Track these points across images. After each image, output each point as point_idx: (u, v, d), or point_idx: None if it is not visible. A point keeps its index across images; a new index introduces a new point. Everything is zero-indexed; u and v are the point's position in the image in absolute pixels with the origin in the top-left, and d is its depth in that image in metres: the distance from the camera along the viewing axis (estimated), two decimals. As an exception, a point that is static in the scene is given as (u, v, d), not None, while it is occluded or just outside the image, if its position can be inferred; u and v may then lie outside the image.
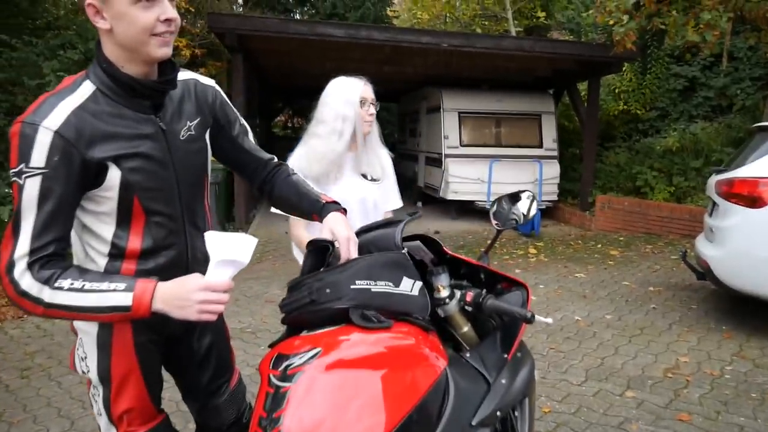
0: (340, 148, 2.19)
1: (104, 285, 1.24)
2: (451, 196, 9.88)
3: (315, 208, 1.62)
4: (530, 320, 1.44)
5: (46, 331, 4.47)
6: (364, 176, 2.31)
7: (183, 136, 1.44)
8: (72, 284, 1.23)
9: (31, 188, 1.21)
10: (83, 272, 1.27)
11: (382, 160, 2.38)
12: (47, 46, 6.71)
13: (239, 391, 1.83)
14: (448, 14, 15.82)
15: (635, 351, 4.01)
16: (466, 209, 10.06)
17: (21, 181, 1.21)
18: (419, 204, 11.66)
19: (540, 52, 9.20)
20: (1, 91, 6.40)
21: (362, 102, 2.21)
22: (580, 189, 10.04)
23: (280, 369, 1.18)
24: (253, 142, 1.71)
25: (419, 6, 16.02)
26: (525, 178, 9.80)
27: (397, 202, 2.46)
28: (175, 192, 1.44)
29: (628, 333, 4.38)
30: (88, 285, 1.23)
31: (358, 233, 1.59)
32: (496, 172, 9.67)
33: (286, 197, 1.69)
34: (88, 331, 1.47)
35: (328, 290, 1.29)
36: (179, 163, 1.43)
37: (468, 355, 1.53)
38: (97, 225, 1.37)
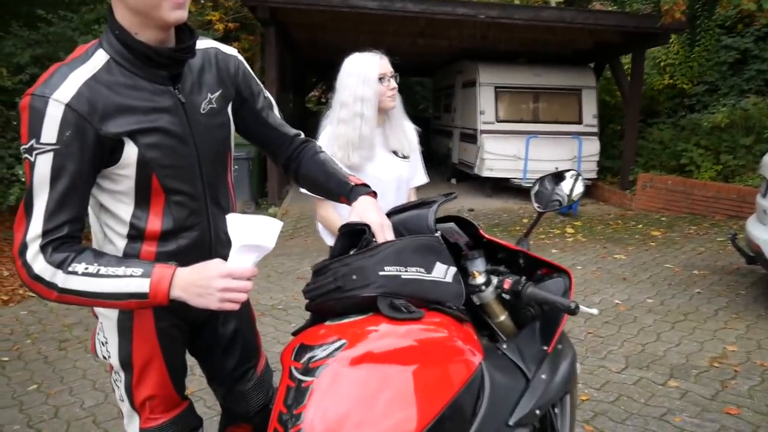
0: (366, 130, 2.13)
1: (120, 270, 1.16)
2: (486, 173, 9.67)
3: (343, 190, 1.52)
4: (574, 311, 1.32)
5: (82, 304, 4.54)
6: (395, 153, 2.24)
7: (203, 110, 1.34)
8: (86, 269, 1.16)
9: (43, 166, 1.13)
10: (99, 256, 1.20)
11: (408, 134, 2.30)
12: (82, 21, 6.73)
13: (266, 377, 1.77)
14: (485, -15, 15.34)
15: (679, 338, 3.83)
16: (502, 187, 9.85)
17: (32, 158, 1.13)
18: (453, 181, 11.48)
19: (582, 24, 8.81)
20: (39, 67, 6.45)
21: (381, 78, 2.13)
22: (621, 167, 9.68)
23: (302, 361, 1.09)
24: (279, 116, 1.61)
25: (456, -23, 15.57)
26: (563, 155, 9.51)
27: (422, 178, 2.40)
28: (196, 169, 1.35)
29: (671, 318, 4.19)
30: (103, 270, 1.16)
31: (388, 215, 1.49)
32: (533, 149, 9.41)
33: (313, 177, 1.58)
34: (108, 316, 1.42)
35: (354, 276, 1.19)
36: (200, 138, 1.34)
37: (505, 346, 1.42)
38: (115, 205, 1.30)
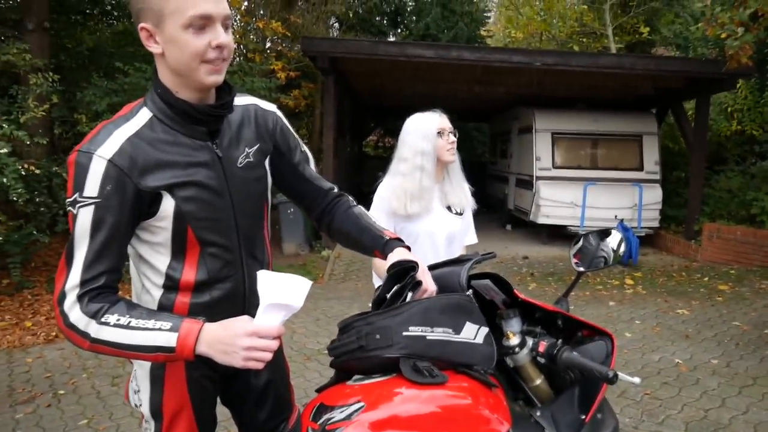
0: (426, 182, 2.19)
1: (150, 323, 1.19)
2: (542, 220, 9.48)
3: (377, 244, 1.52)
4: (612, 380, 1.25)
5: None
6: (449, 209, 2.29)
7: (240, 164, 1.39)
8: (118, 320, 1.19)
9: (84, 218, 1.19)
10: (132, 307, 1.23)
11: (465, 192, 2.35)
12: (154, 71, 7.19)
13: (297, 431, 1.75)
14: (543, 32, 15.40)
15: (746, 404, 3.55)
16: (558, 234, 9.61)
17: (75, 211, 1.19)
18: (508, 227, 11.30)
19: (642, 70, 8.67)
20: (114, 113, 6.92)
21: (440, 133, 2.20)
22: (686, 215, 9.28)
23: (320, 422, 1.09)
24: (315, 170, 1.65)
25: (514, 25, 15.73)
26: (623, 202, 9.22)
27: (473, 238, 2.43)
28: (232, 222, 1.38)
29: (738, 382, 3.90)
30: (134, 322, 1.19)
31: (424, 270, 1.48)
32: (591, 196, 9.18)
33: (347, 231, 1.60)
34: (141, 364, 1.44)
35: (377, 336, 1.18)
36: (236, 191, 1.38)
37: (539, 413, 1.37)
38: (153, 255, 1.34)
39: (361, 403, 1.08)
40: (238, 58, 11.24)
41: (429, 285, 1.38)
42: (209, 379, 1.50)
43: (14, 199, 5.30)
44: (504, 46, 17.67)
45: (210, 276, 1.37)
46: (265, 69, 9.63)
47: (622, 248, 1.81)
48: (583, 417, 1.37)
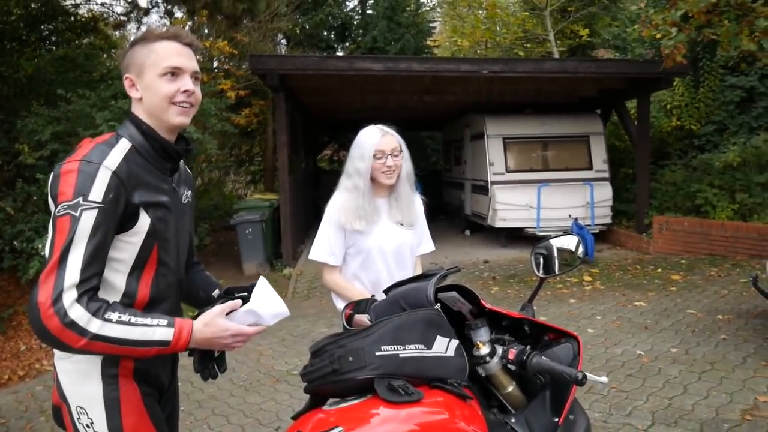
0: (363, 202, 2.20)
1: (148, 320, 1.31)
2: (499, 224, 9.64)
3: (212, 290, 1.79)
4: (581, 382, 1.28)
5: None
6: (400, 223, 2.28)
7: (184, 201, 1.63)
8: (120, 317, 1.28)
9: (87, 221, 1.28)
10: (125, 307, 1.34)
11: (414, 206, 2.34)
12: (100, 98, 6.99)
13: None
14: (488, 40, 15.74)
15: (707, 389, 3.69)
16: (516, 236, 9.79)
17: (76, 213, 1.28)
18: (467, 233, 11.45)
19: (584, 73, 8.97)
20: (60, 142, 6.68)
21: (378, 155, 2.17)
22: (636, 210, 9.61)
23: (299, 451, 1.07)
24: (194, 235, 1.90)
25: (459, 34, 16.02)
26: (575, 201, 9.48)
27: (429, 246, 2.44)
28: (177, 248, 1.57)
29: (698, 368, 4.05)
30: (134, 319, 1.30)
31: (390, 288, 1.49)
32: (545, 197, 9.41)
33: (195, 281, 1.81)
34: (90, 394, 1.43)
35: (350, 358, 1.18)
36: (180, 223, 1.58)
37: (513, 420, 1.38)
38: (111, 274, 1.41)
39: (340, 428, 1.07)
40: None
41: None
42: (154, 397, 1.56)
43: (-46, 237, 5.05)
44: (451, 55, 17.98)
45: (158, 295, 1.50)
46: (214, 89, 9.50)
47: (581, 249, 1.85)
48: (557, 419, 1.39)
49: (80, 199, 1.28)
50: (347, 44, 16.92)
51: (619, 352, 4.51)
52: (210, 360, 1.51)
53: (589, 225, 9.27)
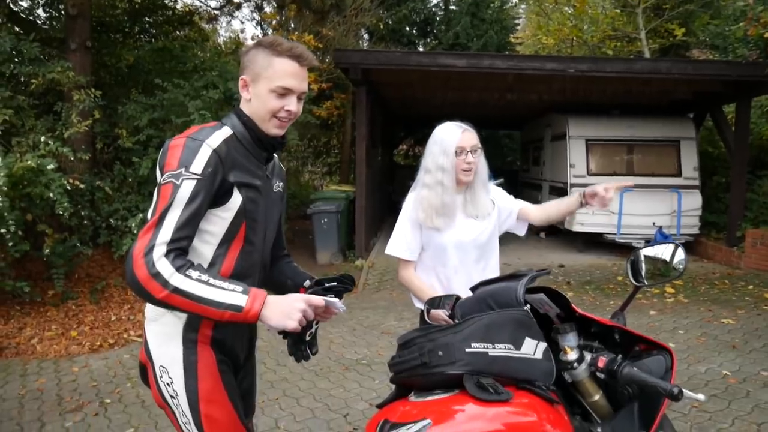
0: (447, 198, 2.21)
1: (225, 284, 1.39)
2: (576, 228, 9.34)
3: (302, 281, 1.84)
4: (677, 397, 1.23)
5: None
6: (475, 217, 2.29)
7: (275, 190, 1.74)
8: (200, 276, 1.37)
9: (186, 189, 1.42)
10: (205, 269, 1.43)
11: (489, 194, 2.36)
12: (192, 87, 7.34)
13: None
14: (575, 38, 15.23)
15: (802, 418, 3.43)
16: (594, 242, 9.46)
17: (177, 182, 1.42)
18: (542, 235, 11.17)
19: (678, 74, 8.49)
20: (154, 128, 7.08)
21: (459, 151, 2.18)
22: (728, 222, 9.03)
23: (386, 439, 1.09)
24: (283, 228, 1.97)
25: (544, 31, 15.61)
26: (661, 209, 9.03)
27: (519, 203, 2.43)
28: (264, 231, 1.68)
29: (792, 395, 3.78)
30: (212, 281, 1.38)
31: (477, 286, 1.48)
32: (627, 203, 9.02)
33: (282, 271, 1.90)
34: (172, 355, 1.57)
35: (440, 353, 1.19)
36: (269, 208, 1.69)
37: (599, 429, 1.35)
38: (201, 244, 1.54)
39: (428, 420, 1.08)
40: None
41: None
42: (228, 366, 1.66)
43: (60, 213, 5.46)
44: (535, 52, 17.54)
45: (242, 270, 1.61)
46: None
47: (678, 258, 1.77)
48: (645, 434, 1.34)
49: (183, 169, 1.43)
50: (429, 40, 16.87)
51: (702, 370, 4.27)
52: (302, 342, 1.58)
53: (675, 234, 8.81)
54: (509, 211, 2.40)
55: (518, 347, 1.25)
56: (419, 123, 16.49)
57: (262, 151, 1.64)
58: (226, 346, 1.64)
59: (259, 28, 13.14)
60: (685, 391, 1.26)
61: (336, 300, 1.49)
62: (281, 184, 1.80)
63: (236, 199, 1.54)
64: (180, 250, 1.41)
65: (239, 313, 1.37)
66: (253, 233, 1.61)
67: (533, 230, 11.43)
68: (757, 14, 6.77)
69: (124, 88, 8.50)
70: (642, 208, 9.02)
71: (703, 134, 10.74)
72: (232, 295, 1.37)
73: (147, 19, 9.76)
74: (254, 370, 1.88)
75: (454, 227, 2.25)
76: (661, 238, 8.08)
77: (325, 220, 8.60)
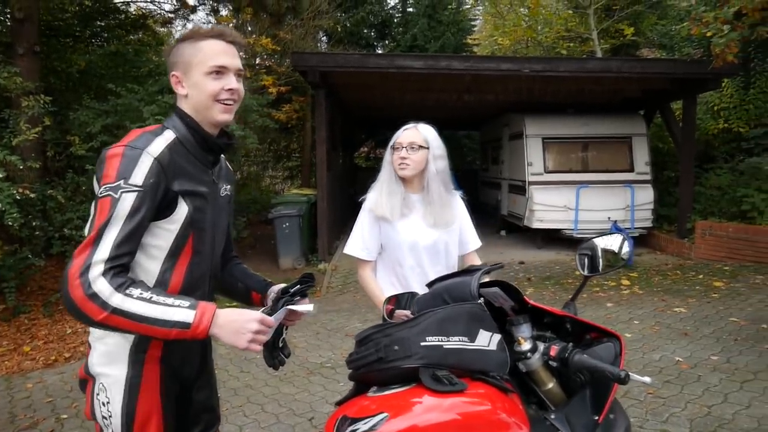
0: (391, 188, 2.28)
1: (170, 300, 1.32)
2: (536, 225, 9.54)
3: (259, 287, 1.80)
4: (624, 380, 1.29)
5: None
6: (433, 225, 2.30)
7: (222, 194, 1.67)
8: (141, 294, 1.31)
9: (126, 202, 1.34)
10: (148, 287, 1.37)
11: (453, 204, 2.36)
12: (147, 92, 7.20)
13: None
14: (530, 38, 15.55)
15: (748, 399, 3.60)
16: (553, 238, 9.67)
17: (116, 195, 1.34)
18: (503, 233, 11.36)
19: (628, 73, 8.77)
20: (108, 134, 6.91)
21: (397, 147, 2.27)
22: (678, 214, 9.37)
23: (344, 434, 1.11)
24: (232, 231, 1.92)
25: (500, 32, 15.88)
26: (615, 204, 9.31)
27: (475, 243, 2.43)
28: (213, 239, 1.62)
29: (739, 377, 3.95)
30: (155, 297, 1.31)
31: (433, 282, 1.51)
32: (583, 199, 9.26)
33: (234, 274, 1.85)
34: (115, 376, 1.49)
35: (396, 347, 1.21)
36: (217, 215, 1.63)
37: (553, 416, 1.39)
38: (147, 260, 1.46)
39: (385, 414, 1.10)
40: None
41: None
42: (173, 390, 1.59)
43: (9, 223, 5.28)
44: (491, 53, 17.82)
45: (191, 283, 1.55)
46: (256, 86, 9.66)
47: (624, 250, 1.84)
48: (596, 418, 1.40)
49: (122, 181, 1.34)
50: (387, 42, 16.96)
51: (657, 357, 4.43)
52: (276, 348, 1.56)
53: (629, 228, 9.09)
54: (463, 242, 2.43)
55: (473, 339, 1.28)
56: (379, 125, 16.54)
57: (208, 154, 1.57)
58: (175, 364, 1.57)
59: (214, 31, 12.94)
60: (632, 375, 1.31)
61: (309, 307, 1.48)
62: (229, 186, 1.73)
63: (182, 209, 1.47)
64: (120, 267, 1.33)
65: (187, 330, 1.30)
66: (201, 243, 1.55)
67: (495, 228, 11.66)
68: (699, 14, 7.06)
69: (75, 94, 8.28)
70: (597, 203, 9.29)
71: (653, 130, 11.12)
72: (178, 311, 1.31)
73: (99, 22, 9.53)
74: (212, 381, 1.82)
75: (408, 227, 2.28)
76: (617, 232, 8.32)
77: (287, 224, 8.55)
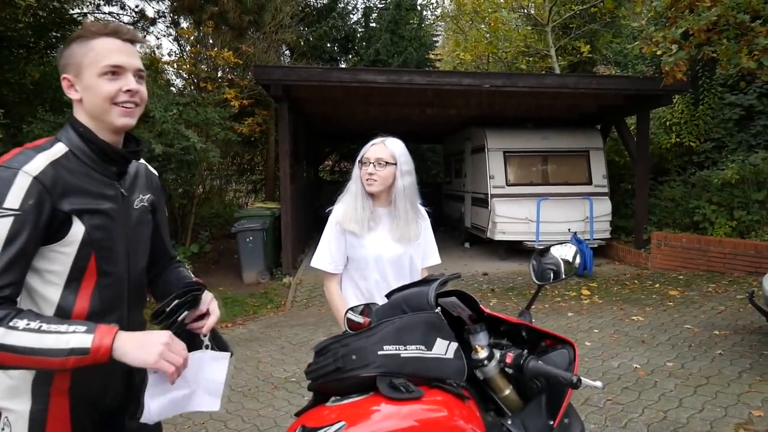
0: (358, 205, 2.28)
1: (63, 327, 1.20)
2: (498, 237, 9.69)
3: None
4: (576, 385, 1.33)
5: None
6: (399, 240, 2.32)
7: (137, 206, 1.53)
8: (28, 324, 1.18)
9: (0, 229, 1.21)
10: (38, 315, 1.24)
11: (418, 219, 2.38)
12: (65, 118, 7.05)
13: None
14: (490, 54, 15.89)
15: (701, 403, 3.72)
16: (515, 249, 9.84)
17: None
18: (466, 245, 11.49)
19: (584, 89, 9.06)
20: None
21: (364, 162, 2.27)
22: (635, 226, 9.67)
23: (303, 444, 1.11)
24: (168, 236, 1.77)
25: (461, 48, 16.18)
26: (575, 215, 9.54)
27: (435, 259, 2.46)
28: (126, 256, 1.47)
29: (693, 383, 4.08)
30: (45, 326, 1.19)
31: (392, 293, 1.53)
32: (544, 211, 9.46)
33: (166, 279, 1.70)
34: (18, 411, 1.37)
35: (353, 357, 1.23)
36: (132, 229, 1.50)
37: (510, 422, 1.42)
38: (44, 286, 1.35)
39: (342, 422, 1.11)
40: (189, 88, 11.17)
41: (209, 307, 1.47)
42: (90, 418, 1.46)
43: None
44: (453, 68, 18.12)
45: (101, 307, 1.40)
46: (218, 98, 9.59)
47: (578, 260, 1.91)
48: (552, 422, 1.43)
49: None
50: (350, 56, 17.06)
51: (615, 365, 4.53)
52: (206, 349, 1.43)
53: (588, 239, 9.32)
54: (423, 257, 2.45)
55: (430, 348, 1.31)
56: (343, 138, 16.59)
57: (110, 165, 1.42)
58: (93, 393, 1.43)
59: (175, 43, 12.82)
60: (584, 380, 1.36)
61: (223, 354, 1.39)
62: (147, 196, 1.58)
63: (77, 229, 1.32)
64: (3, 299, 1.20)
65: (86, 355, 1.18)
66: (107, 263, 1.40)
67: (459, 240, 11.77)
68: (649, 34, 7.34)
69: (29, 107, 8.05)
70: (557, 215, 9.50)
71: (609, 144, 11.48)
72: (73, 337, 1.18)
73: (54, 33, 9.30)
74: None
75: (374, 241, 2.29)
76: (576, 243, 8.53)
77: (251, 238, 8.46)
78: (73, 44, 1.37)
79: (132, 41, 1.41)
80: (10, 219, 1.22)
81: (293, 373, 4.71)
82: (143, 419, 1.27)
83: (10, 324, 1.17)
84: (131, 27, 1.47)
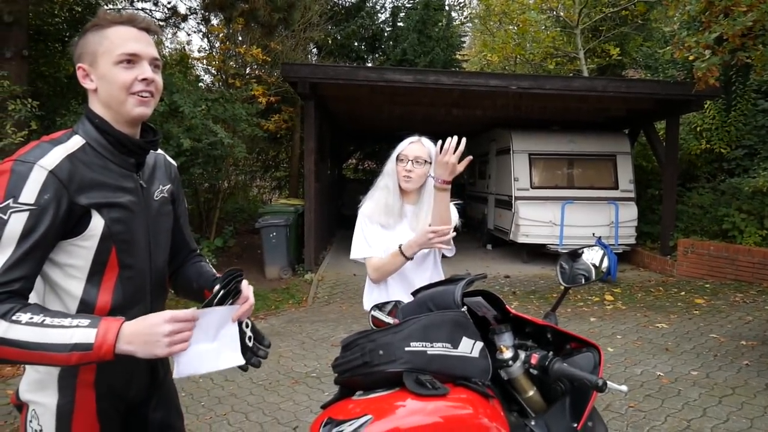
0: (390, 200, 2.32)
1: (66, 321, 1.18)
2: (521, 240, 9.63)
3: (207, 284, 1.61)
4: (601, 388, 1.33)
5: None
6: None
7: (156, 197, 1.51)
8: (31, 318, 1.17)
9: (15, 224, 1.20)
10: (44, 309, 1.22)
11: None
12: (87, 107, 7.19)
13: None
14: (518, 55, 15.78)
15: (726, 414, 3.66)
16: (538, 253, 9.76)
17: (5, 216, 1.20)
18: (489, 247, 11.44)
19: (613, 92, 8.95)
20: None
21: (402, 159, 2.31)
22: (661, 232, 9.52)
23: (329, 436, 1.13)
24: (188, 227, 1.75)
25: (489, 49, 16.10)
26: (600, 220, 9.43)
27: (448, 252, 2.44)
28: (148, 249, 1.46)
29: (718, 392, 4.02)
30: (48, 320, 1.17)
31: (418, 291, 1.55)
32: (568, 215, 9.38)
33: (188, 275, 1.68)
34: (45, 404, 1.38)
35: (381, 352, 1.25)
36: (152, 221, 1.48)
37: (533, 423, 1.43)
38: (66, 280, 1.34)
39: (369, 416, 1.13)
40: (218, 84, 11.31)
41: (248, 295, 1.44)
42: (116, 410, 1.47)
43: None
44: (480, 69, 18.04)
45: (124, 300, 1.40)
46: (246, 95, 9.70)
47: (605, 263, 1.90)
48: (575, 425, 1.43)
49: (10, 201, 1.20)
50: (377, 55, 17.11)
51: (638, 372, 4.48)
52: (247, 350, 1.41)
53: (613, 245, 9.21)
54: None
55: (456, 346, 1.32)
56: (368, 137, 16.63)
57: (128, 156, 1.40)
58: (118, 384, 1.43)
59: (205, 40, 13.00)
60: (609, 383, 1.35)
61: (232, 307, 1.35)
62: (167, 186, 1.57)
63: (96, 223, 1.31)
64: (8, 293, 1.18)
65: (89, 351, 1.15)
66: (129, 256, 1.39)
67: (481, 242, 11.72)
68: (681, 39, 7.22)
69: (63, 99, 8.24)
70: (582, 219, 9.40)
71: (637, 149, 11.31)
72: (76, 332, 1.15)
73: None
74: (170, 397, 1.66)
75: (396, 234, 2.32)
76: (602, 247, 8.42)
77: (274, 234, 8.54)
78: (88, 33, 1.35)
79: (147, 30, 1.39)
80: (26, 214, 1.20)
81: (313, 369, 4.75)
82: (174, 375, 1.28)
83: (13, 318, 1.16)
84: (147, 16, 1.45)
